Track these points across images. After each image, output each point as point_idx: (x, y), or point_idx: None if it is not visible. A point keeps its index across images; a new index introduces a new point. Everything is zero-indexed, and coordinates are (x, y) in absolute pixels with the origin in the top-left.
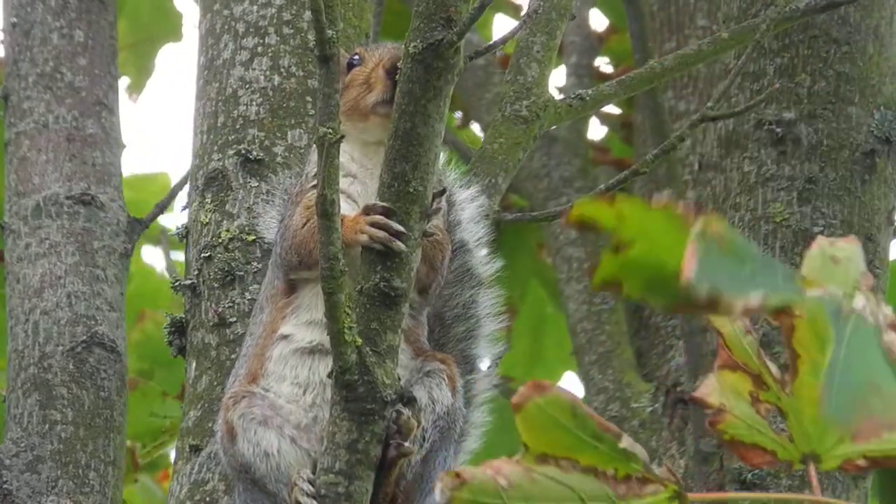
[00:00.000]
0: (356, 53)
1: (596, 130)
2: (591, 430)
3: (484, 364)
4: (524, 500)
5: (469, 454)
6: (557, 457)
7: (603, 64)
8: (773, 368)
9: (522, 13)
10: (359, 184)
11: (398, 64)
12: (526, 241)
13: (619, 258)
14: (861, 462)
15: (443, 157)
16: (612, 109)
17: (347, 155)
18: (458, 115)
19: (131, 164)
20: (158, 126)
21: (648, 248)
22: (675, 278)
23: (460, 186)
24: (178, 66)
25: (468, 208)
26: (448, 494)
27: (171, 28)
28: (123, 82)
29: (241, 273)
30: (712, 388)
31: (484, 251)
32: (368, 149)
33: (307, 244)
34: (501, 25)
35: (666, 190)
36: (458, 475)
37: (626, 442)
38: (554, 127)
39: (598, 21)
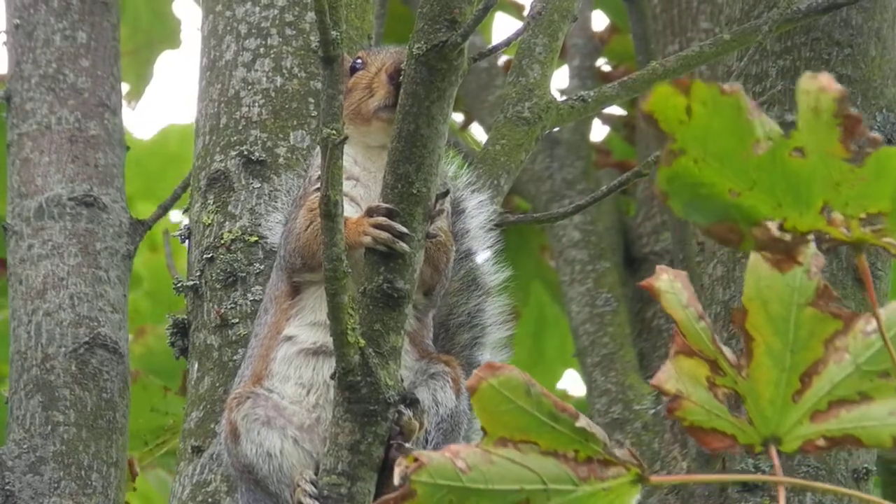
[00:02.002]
0: (359, 57)
1: (597, 131)
2: (546, 409)
3: None
4: (484, 482)
5: None
6: (516, 440)
7: (603, 64)
8: (729, 353)
9: (525, 13)
10: (361, 187)
11: (401, 68)
12: (528, 244)
13: (672, 168)
14: (821, 442)
15: (455, 163)
16: (614, 111)
17: (350, 158)
18: (460, 118)
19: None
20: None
21: (698, 157)
22: (721, 196)
23: (471, 193)
24: (176, 71)
25: (478, 216)
26: (406, 477)
27: (169, 34)
28: (122, 89)
29: (244, 274)
30: (669, 375)
31: (492, 259)
32: (371, 152)
33: (311, 246)
34: (503, 25)
35: None
36: (416, 459)
37: (583, 421)
38: (557, 129)
39: (598, 21)
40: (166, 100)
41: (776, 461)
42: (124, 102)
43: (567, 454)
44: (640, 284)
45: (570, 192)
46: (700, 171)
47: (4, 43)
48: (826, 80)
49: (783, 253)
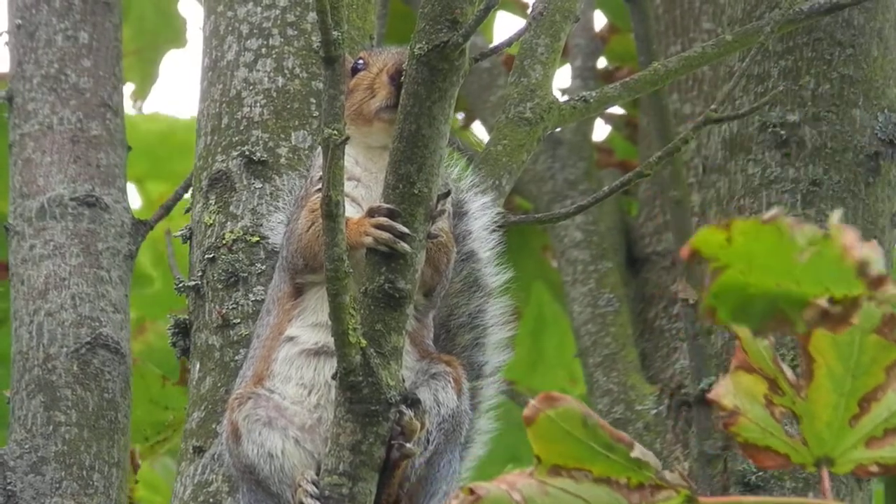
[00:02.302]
0: (360, 58)
1: (599, 131)
2: (602, 440)
3: (489, 370)
4: None
5: (475, 460)
6: (570, 468)
7: (603, 63)
8: (789, 373)
9: (528, 12)
10: (363, 187)
11: (402, 68)
12: (530, 244)
13: (718, 283)
14: (873, 468)
15: (459, 165)
16: (616, 110)
17: (352, 159)
18: (461, 115)
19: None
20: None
21: (744, 269)
22: (764, 299)
23: (475, 195)
24: (182, 71)
25: (481, 218)
26: None
27: (174, 34)
28: (128, 88)
29: (245, 274)
30: (727, 390)
31: (494, 261)
32: (373, 153)
33: (312, 247)
34: (506, 23)
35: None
36: (472, 491)
37: (638, 451)
38: (559, 129)
39: (599, 21)
40: (172, 99)
41: (826, 483)
42: (129, 101)
43: (620, 481)
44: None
45: (572, 193)
46: (746, 279)
47: (6, 43)
48: None
49: (836, 323)
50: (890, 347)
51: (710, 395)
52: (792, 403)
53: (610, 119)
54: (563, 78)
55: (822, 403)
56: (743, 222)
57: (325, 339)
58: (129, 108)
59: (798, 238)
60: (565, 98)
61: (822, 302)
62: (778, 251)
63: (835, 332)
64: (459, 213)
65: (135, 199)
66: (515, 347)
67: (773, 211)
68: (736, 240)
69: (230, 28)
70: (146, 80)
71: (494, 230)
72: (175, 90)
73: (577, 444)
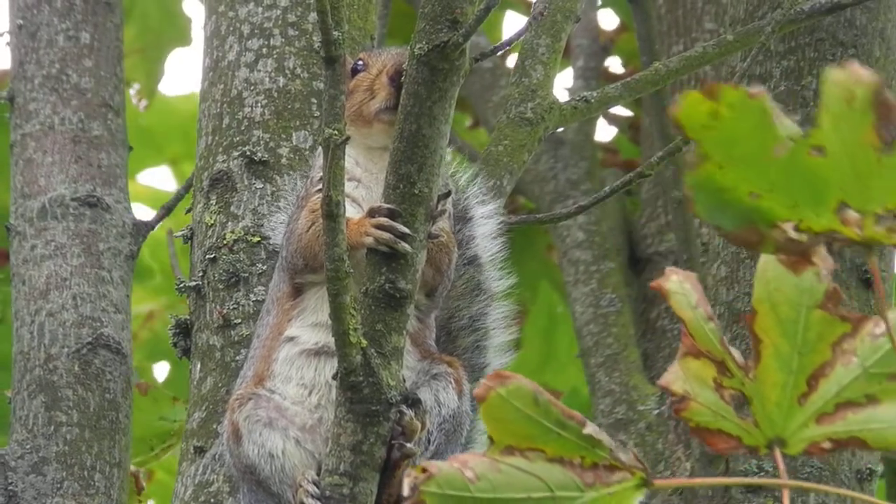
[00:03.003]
0: (360, 59)
1: (605, 132)
2: (554, 417)
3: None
4: (492, 491)
5: None
6: (523, 448)
7: (614, 64)
8: (737, 355)
9: (531, 11)
10: (363, 188)
11: (402, 69)
12: (535, 244)
13: (697, 173)
14: (826, 444)
15: (466, 173)
16: (620, 111)
17: (352, 159)
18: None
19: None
20: None
21: (723, 162)
22: (742, 200)
23: (480, 202)
24: (187, 70)
25: (485, 224)
26: (416, 488)
27: (179, 33)
28: (133, 87)
29: (246, 274)
30: (676, 376)
31: (497, 266)
32: (373, 153)
33: (312, 247)
34: (512, 23)
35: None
36: (424, 469)
37: (590, 428)
38: (561, 129)
39: (608, 20)
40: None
41: (780, 463)
42: (134, 100)
43: (573, 461)
44: (650, 285)
45: (574, 193)
46: (723, 176)
47: (8, 43)
48: (858, 68)
49: (798, 254)
50: (835, 323)
51: (660, 382)
52: (741, 385)
53: (614, 120)
54: (566, 79)
55: (770, 383)
56: (732, 89)
57: (326, 339)
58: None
59: (779, 127)
60: (567, 98)
61: (789, 227)
62: (759, 137)
63: (794, 270)
64: (464, 219)
65: (170, 182)
66: (525, 346)
67: (759, 87)
68: (722, 115)
69: (231, 28)
70: (151, 79)
71: (498, 236)
72: (180, 88)
73: (528, 421)
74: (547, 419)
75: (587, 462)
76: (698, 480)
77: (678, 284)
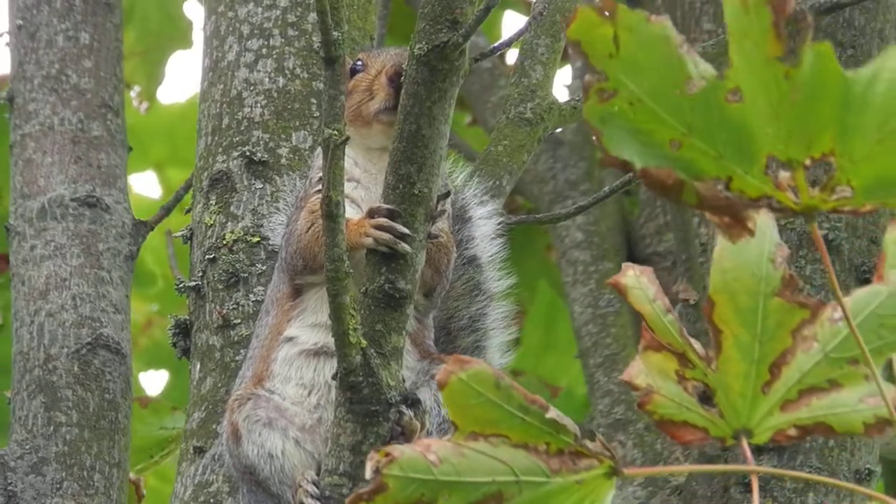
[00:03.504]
0: (359, 59)
1: None
2: (516, 402)
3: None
4: (455, 475)
5: None
6: (487, 433)
7: None
8: (697, 346)
9: (531, 11)
10: (362, 189)
11: (401, 70)
12: (534, 244)
13: (605, 107)
14: (792, 432)
15: (465, 172)
16: None
17: (351, 160)
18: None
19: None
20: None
21: (636, 98)
22: (661, 146)
23: (479, 203)
24: (188, 72)
25: (484, 225)
26: (378, 471)
27: (180, 35)
28: (134, 90)
29: (246, 275)
30: (638, 370)
31: (496, 267)
32: (372, 154)
33: (311, 248)
34: (512, 23)
35: None
36: (387, 453)
37: (553, 413)
38: (560, 130)
39: None
40: (179, 100)
41: (747, 453)
42: (135, 103)
43: (538, 447)
44: (607, 282)
45: (572, 193)
46: (636, 116)
47: (7, 44)
48: None
49: (730, 215)
50: (793, 310)
51: (622, 377)
52: (704, 376)
53: None
54: (567, 78)
55: (733, 374)
56: (629, 12)
57: (325, 339)
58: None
59: (688, 63)
60: (568, 97)
61: (719, 185)
62: (666, 69)
63: (730, 236)
64: (463, 219)
65: (154, 188)
66: (526, 339)
67: (661, 15)
68: (623, 40)
69: (231, 28)
70: (152, 82)
71: (497, 237)
72: (181, 91)
73: (491, 406)
74: (509, 403)
75: (552, 448)
76: (668, 469)
77: (634, 279)
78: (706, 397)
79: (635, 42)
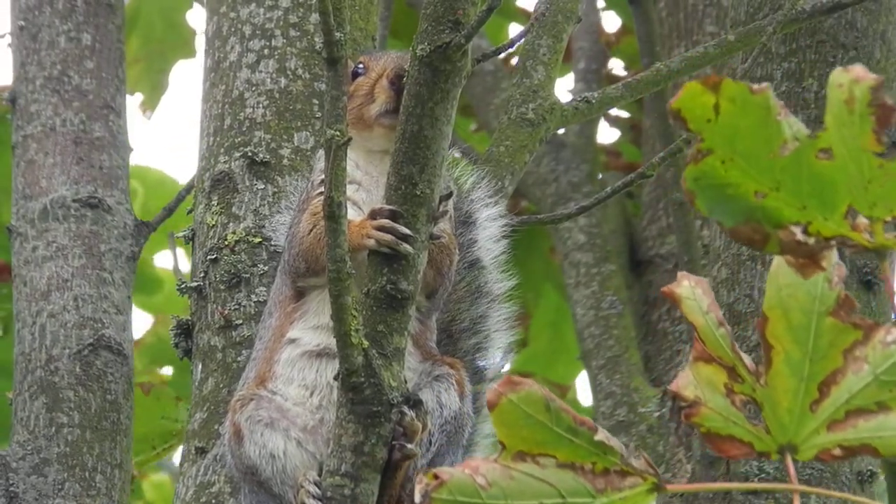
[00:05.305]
0: (360, 62)
1: (607, 134)
2: (566, 424)
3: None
4: (504, 498)
5: None
6: (534, 454)
7: (616, 67)
8: (748, 360)
9: (533, 12)
10: (364, 191)
11: (402, 73)
12: (538, 246)
13: (699, 167)
14: (837, 451)
15: (471, 177)
16: (621, 113)
17: (352, 162)
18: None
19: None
20: (174, 140)
21: (725, 157)
22: (746, 197)
23: (484, 205)
24: (191, 81)
25: (489, 227)
26: (427, 495)
27: (183, 44)
28: (137, 99)
29: (247, 275)
30: (687, 381)
31: (499, 269)
32: (373, 157)
33: (314, 250)
34: (516, 33)
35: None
36: (436, 476)
37: (601, 434)
38: (562, 132)
39: (610, 22)
40: (185, 108)
41: (791, 470)
42: (139, 111)
43: (585, 466)
44: (661, 291)
45: (575, 195)
46: (727, 172)
47: (9, 45)
48: (860, 70)
49: (807, 257)
50: (846, 330)
51: (671, 388)
52: (752, 391)
53: (616, 122)
54: (568, 81)
55: (781, 390)
56: (733, 83)
57: (327, 340)
58: (138, 118)
59: (784, 127)
60: (569, 98)
61: (797, 230)
62: (762, 134)
63: (803, 273)
64: (467, 223)
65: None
66: (533, 342)
67: (763, 84)
68: (723, 109)
69: (233, 29)
70: (155, 91)
71: (501, 239)
72: (185, 100)
73: (540, 428)
74: (558, 425)
75: (598, 468)
76: (710, 486)
77: (690, 290)
78: (752, 412)
79: (736, 111)
